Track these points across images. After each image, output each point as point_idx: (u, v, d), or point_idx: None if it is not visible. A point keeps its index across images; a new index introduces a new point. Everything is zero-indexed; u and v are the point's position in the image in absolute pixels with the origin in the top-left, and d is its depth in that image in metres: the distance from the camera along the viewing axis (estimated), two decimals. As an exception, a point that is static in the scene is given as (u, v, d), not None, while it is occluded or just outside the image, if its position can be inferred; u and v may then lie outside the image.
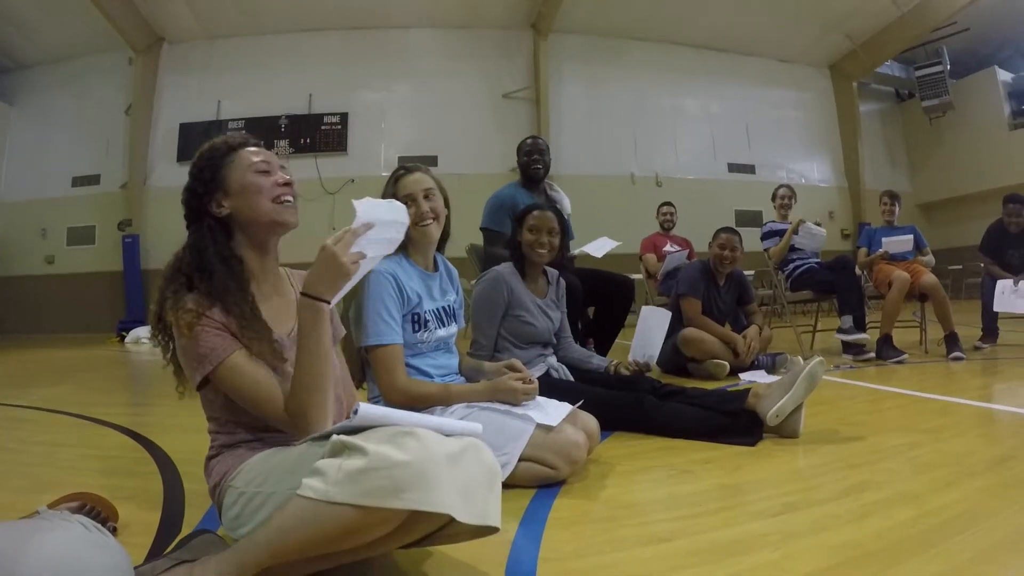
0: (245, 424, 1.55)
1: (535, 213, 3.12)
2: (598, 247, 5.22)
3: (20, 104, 14.44)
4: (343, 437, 1.16)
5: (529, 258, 3.11)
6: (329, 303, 1.44)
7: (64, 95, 14.15)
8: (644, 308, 3.31)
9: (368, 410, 1.20)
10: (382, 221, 1.50)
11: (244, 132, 1.83)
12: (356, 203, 1.48)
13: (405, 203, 2.26)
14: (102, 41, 13.16)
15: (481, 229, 4.53)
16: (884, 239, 5.68)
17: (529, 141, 4.72)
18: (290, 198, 1.63)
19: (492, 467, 1.30)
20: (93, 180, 13.95)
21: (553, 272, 3.32)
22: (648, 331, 3.21)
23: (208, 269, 1.53)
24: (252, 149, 1.65)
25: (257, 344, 1.50)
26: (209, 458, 1.58)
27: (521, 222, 3.14)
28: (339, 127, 13.60)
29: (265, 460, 1.42)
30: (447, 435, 1.25)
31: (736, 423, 2.71)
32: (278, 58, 13.77)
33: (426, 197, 2.32)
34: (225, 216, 1.61)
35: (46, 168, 14.03)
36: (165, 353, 1.59)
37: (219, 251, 1.57)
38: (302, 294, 1.44)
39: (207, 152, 1.64)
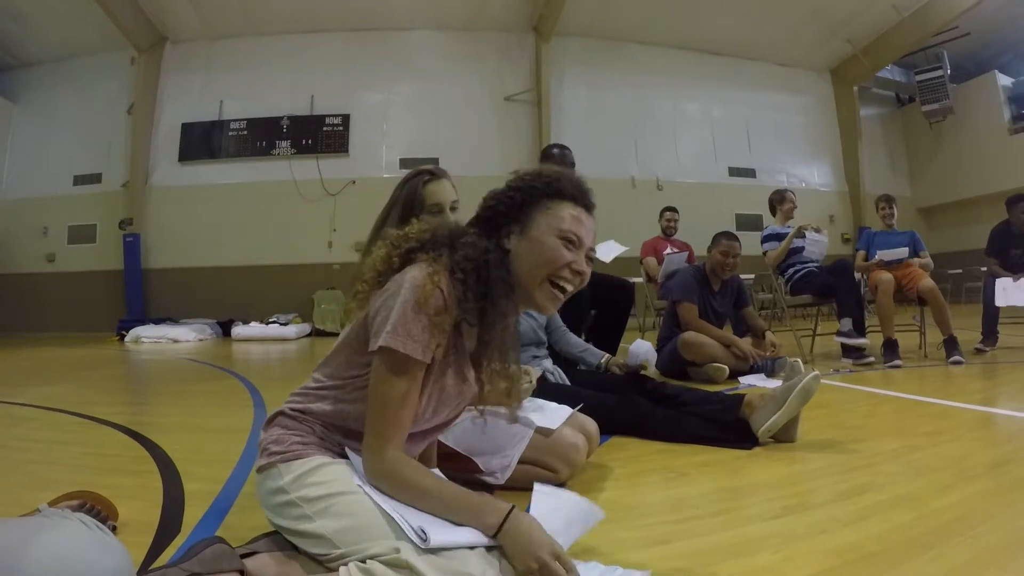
0: (354, 417, 1.44)
1: None
2: (606, 251, 5.16)
3: (23, 101, 14.47)
4: (411, 559, 1.16)
5: None
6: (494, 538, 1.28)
7: (67, 93, 14.18)
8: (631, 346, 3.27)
9: (437, 539, 1.21)
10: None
11: (581, 182, 1.53)
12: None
13: (432, 212, 2.20)
14: (105, 40, 13.21)
15: None
16: (879, 252, 5.69)
17: (556, 151, 4.49)
18: (571, 288, 1.48)
19: None
20: (95, 179, 13.98)
21: None
22: (638, 350, 3.20)
23: (489, 292, 1.40)
24: (578, 212, 1.46)
25: (455, 367, 1.44)
26: (283, 413, 1.50)
27: None
28: (341, 128, 13.64)
29: (321, 473, 1.37)
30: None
31: (729, 433, 2.70)
32: (280, 59, 13.83)
33: (452, 209, 2.27)
34: (507, 248, 1.46)
35: (48, 166, 14.08)
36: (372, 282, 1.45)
37: (504, 279, 1.43)
38: (506, 516, 1.28)
39: (533, 179, 1.49)
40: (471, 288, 1.38)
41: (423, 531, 1.21)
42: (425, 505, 1.32)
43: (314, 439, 1.45)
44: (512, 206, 1.46)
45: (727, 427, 2.72)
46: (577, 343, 3.37)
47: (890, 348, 5.10)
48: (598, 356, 3.29)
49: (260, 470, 1.44)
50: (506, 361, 1.46)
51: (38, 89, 14.43)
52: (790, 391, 2.62)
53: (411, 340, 1.33)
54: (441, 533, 1.22)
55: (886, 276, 5.36)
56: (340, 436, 1.47)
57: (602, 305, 4.57)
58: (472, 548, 1.23)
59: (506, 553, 1.25)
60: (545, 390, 2.62)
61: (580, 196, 1.48)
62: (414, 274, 1.36)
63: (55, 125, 14.18)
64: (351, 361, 1.45)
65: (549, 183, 1.46)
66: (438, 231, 1.47)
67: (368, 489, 1.34)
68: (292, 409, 1.49)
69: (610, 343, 4.49)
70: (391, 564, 1.17)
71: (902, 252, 5.64)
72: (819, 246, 5.86)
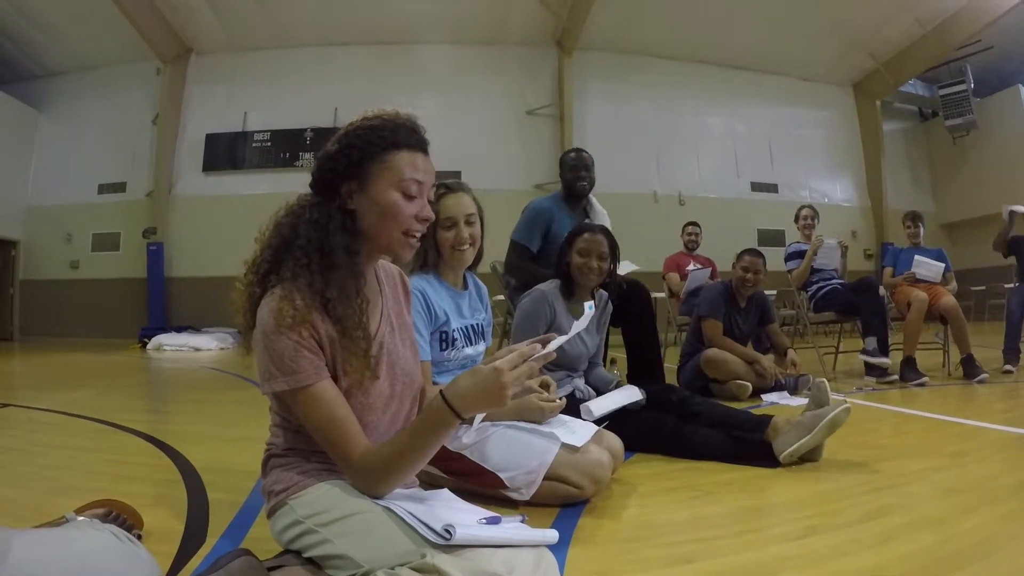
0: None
1: (585, 236, 3.07)
2: (620, 268, 5.12)
3: (49, 111, 14.73)
4: (438, 562, 1.15)
5: (577, 280, 3.08)
6: (465, 421, 1.34)
7: (92, 103, 14.42)
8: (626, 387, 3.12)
9: (463, 534, 1.22)
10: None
11: (413, 123, 1.49)
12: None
13: (445, 225, 2.24)
14: (131, 51, 13.42)
15: (512, 240, 4.28)
16: (917, 256, 5.64)
17: (573, 155, 4.45)
18: (421, 234, 1.49)
19: None
20: (119, 188, 14.21)
21: (603, 295, 3.24)
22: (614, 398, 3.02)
23: (332, 261, 1.40)
24: (414, 158, 1.44)
25: (352, 358, 1.41)
26: (271, 455, 1.52)
27: (571, 243, 3.10)
28: (364, 141, 13.68)
29: (331, 496, 1.38)
30: (526, 544, 1.29)
31: (751, 452, 2.68)
32: (304, 71, 13.98)
33: (467, 223, 2.29)
34: (350, 208, 1.44)
35: (73, 174, 14.32)
36: (247, 318, 1.45)
37: (347, 245, 1.42)
38: (444, 398, 1.32)
39: (367, 132, 1.43)
40: (319, 260, 1.39)
41: (448, 529, 1.21)
42: (413, 465, 1.39)
43: (313, 466, 1.46)
44: (349, 164, 1.42)
45: (750, 447, 2.69)
46: (604, 376, 3.31)
47: (910, 366, 5.05)
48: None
49: (271, 513, 1.45)
50: (360, 342, 1.42)
51: (63, 98, 14.68)
52: (818, 420, 2.56)
53: (293, 373, 1.35)
54: (465, 530, 1.23)
55: (922, 295, 5.28)
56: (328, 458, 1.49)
57: (625, 316, 4.32)
58: (496, 547, 1.24)
59: (490, 413, 1.34)
60: (573, 407, 2.61)
61: (414, 140, 1.46)
62: (262, 313, 1.38)
63: (80, 134, 14.42)
64: (276, 399, 1.47)
65: (383, 136, 1.42)
66: (273, 239, 1.47)
67: (381, 502, 1.36)
68: (278, 450, 1.51)
69: (648, 359, 4.15)
70: (420, 570, 1.16)
71: (937, 269, 5.59)
72: (830, 256, 5.83)
